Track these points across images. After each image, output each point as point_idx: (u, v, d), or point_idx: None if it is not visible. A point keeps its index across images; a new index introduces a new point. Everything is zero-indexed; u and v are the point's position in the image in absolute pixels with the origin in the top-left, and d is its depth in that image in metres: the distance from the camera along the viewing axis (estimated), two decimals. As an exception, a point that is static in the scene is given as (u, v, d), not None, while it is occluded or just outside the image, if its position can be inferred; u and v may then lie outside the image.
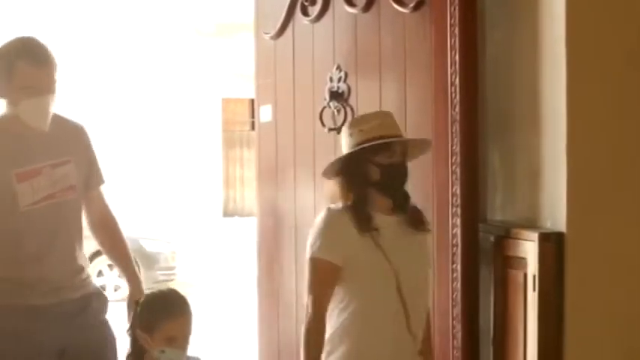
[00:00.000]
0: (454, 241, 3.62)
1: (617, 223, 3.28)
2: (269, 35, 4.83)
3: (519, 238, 3.36)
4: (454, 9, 3.61)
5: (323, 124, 4.34)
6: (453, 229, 3.63)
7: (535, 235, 3.25)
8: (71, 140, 3.75)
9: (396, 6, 3.91)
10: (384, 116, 3.41)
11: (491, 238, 3.54)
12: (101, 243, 3.90)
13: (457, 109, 3.61)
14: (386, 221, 3.33)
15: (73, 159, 3.69)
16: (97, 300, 3.78)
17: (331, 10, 4.32)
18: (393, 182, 3.33)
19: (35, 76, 3.54)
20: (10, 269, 3.61)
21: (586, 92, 3.28)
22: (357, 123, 3.39)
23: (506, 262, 3.47)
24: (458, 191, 3.62)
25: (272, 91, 4.95)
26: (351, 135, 3.34)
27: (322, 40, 4.43)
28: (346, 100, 4.26)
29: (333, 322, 3.30)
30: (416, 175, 3.49)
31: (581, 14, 3.30)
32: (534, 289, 3.24)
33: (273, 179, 4.97)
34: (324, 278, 3.28)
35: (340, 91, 4.29)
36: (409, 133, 3.73)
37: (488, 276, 3.58)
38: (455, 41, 3.62)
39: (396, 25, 3.97)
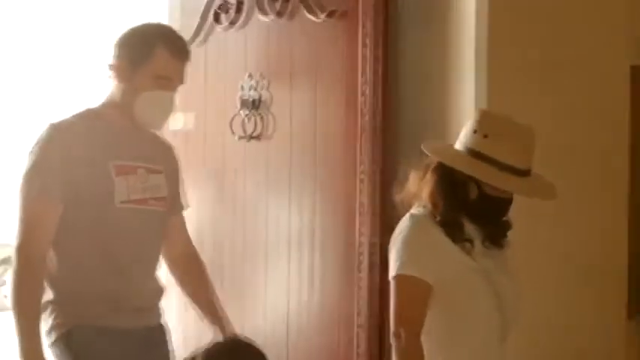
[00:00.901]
0: (360, 250, 3.62)
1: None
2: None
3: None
4: (366, 19, 3.63)
5: (233, 132, 4.31)
6: (359, 238, 3.63)
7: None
8: (164, 154, 3.27)
9: (308, 15, 3.92)
10: (528, 139, 2.68)
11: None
12: (181, 282, 3.32)
13: (367, 118, 3.62)
14: (470, 228, 2.72)
15: (164, 172, 3.20)
16: (168, 331, 3.23)
17: (244, 17, 4.30)
18: (489, 216, 2.73)
19: (174, 67, 3.10)
20: (94, 279, 3.02)
21: (496, 101, 3.32)
22: (499, 130, 2.66)
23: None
24: (365, 200, 3.62)
25: (185, 99, 4.90)
26: (486, 136, 2.65)
27: (235, 47, 4.41)
28: (257, 108, 4.24)
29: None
30: (326, 185, 3.48)
31: (493, 29, 3.36)
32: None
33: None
34: (417, 298, 2.62)
35: (251, 99, 4.27)
36: (318, 141, 3.73)
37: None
38: (367, 51, 3.64)
39: (308, 33, 3.98)
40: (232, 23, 4.37)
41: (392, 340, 2.61)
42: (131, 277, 3.05)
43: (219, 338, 2.48)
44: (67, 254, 3.01)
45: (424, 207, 2.70)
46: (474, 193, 2.66)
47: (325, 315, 3.86)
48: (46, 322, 2.98)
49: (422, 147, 2.73)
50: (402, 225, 2.71)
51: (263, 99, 4.23)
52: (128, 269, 3.04)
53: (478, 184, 2.64)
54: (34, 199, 2.96)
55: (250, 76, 4.28)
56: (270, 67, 4.21)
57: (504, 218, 2.74)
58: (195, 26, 4.59)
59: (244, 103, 4.29)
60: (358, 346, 3.63)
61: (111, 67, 3.11)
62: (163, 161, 3.22)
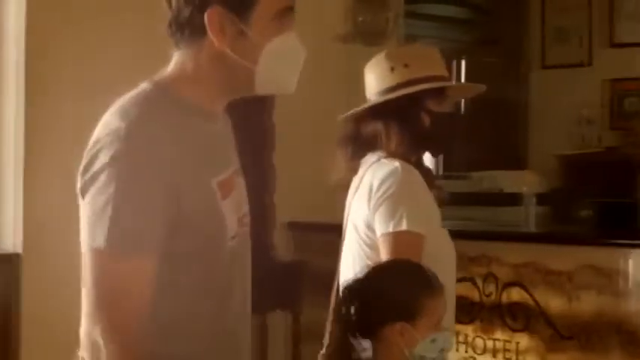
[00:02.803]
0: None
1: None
2: None
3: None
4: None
5: None
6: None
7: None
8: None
9: None
10: (432, 51, 2.89)
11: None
12: None
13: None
14: None
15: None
16: None
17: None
18: (445, 135, 2.85)
19: None
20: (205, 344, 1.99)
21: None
22: (400, 56, 2.82)
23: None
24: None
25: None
26: (392, 70, 2.77)
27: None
28: None
29: None
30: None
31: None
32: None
33: None
34: (419, 254, 2.59)
35: None
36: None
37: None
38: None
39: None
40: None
41: None
42: (243, 332, 2.12)
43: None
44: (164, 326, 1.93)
45: (391, 157, 2.73)
46: (427, 119, 2.75)
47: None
48: None
49: (354, 111, 2.83)
50: (395, 176, 2.68)
51: None
52: (242, 324, 2.11)
53: (427, 108, 2.74)
54: (121, 256, 1.84)
55: None
56: None
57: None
58: None
59: None
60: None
61: (185, 23, 1.93)
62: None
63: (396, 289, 2.26)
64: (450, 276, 2.77)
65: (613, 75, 6.78)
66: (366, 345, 2.24)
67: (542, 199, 4.56)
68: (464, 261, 4.38)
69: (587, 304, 3.86)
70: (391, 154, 2.75)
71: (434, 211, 2.76)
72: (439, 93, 2.78)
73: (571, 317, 3.89)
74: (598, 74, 6.82)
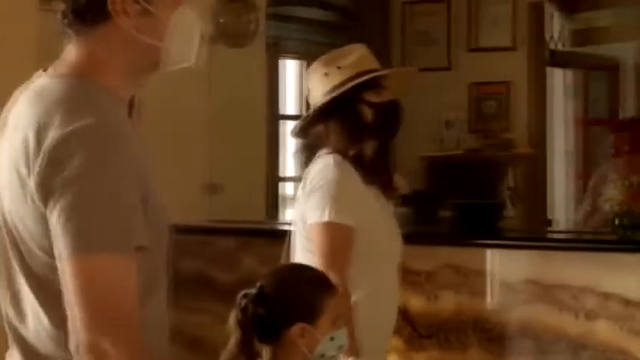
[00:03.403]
0: None
1: None
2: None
3: None
4: None
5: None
6: None
7: None
8: None
9: None
10: (360, 49, 3.02)
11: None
12: None
13: None
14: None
15: None
16: None
17: None
18: (390, 123, 2.98)
19: None
20: None
21: None
22: (332, 60, 2.96)
23: None
24: None
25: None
26: (327, 75, 2.92)
27: None
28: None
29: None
30: None
31: None
32: None
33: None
34: (346, 245, 2.76)
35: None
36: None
37: None
38: None
39: None
40: None
41: None
42: None
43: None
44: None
45: (333, 153, 2.88)
46: (368, 111, 2.89)
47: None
48: None
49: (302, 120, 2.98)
50: (325, 171, 2.83)
51: None
52: None
53: (367, 101, 2.88)
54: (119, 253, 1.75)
55: None
56: None
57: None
58: None
59: None
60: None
61: (84, 10, 1.87)
62: None
63: (294, 292, 2.29)
64: (391, 269, 2.94)
65: (472, 79, 6.92)
66: (266, 350, 2.24)
67: (405, 200, 4.62)
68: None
69: (446, 303, 3.93)
70: (331, 150, 2.90)
71: (368, 205, 2.87)
72: (375, 84, 2.92)
73: (430, 316, 3.95)
74: (458, 78, 6.95)
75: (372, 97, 2.90)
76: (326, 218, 2.76)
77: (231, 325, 2.24)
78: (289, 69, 6.61)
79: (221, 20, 5.13)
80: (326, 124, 2.92)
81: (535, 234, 4.82)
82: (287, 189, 6.38)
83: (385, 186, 3.00)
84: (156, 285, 1.91)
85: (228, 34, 5.15)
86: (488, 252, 3.93)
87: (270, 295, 2.25)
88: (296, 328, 2.22)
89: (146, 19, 1.88)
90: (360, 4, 7.08)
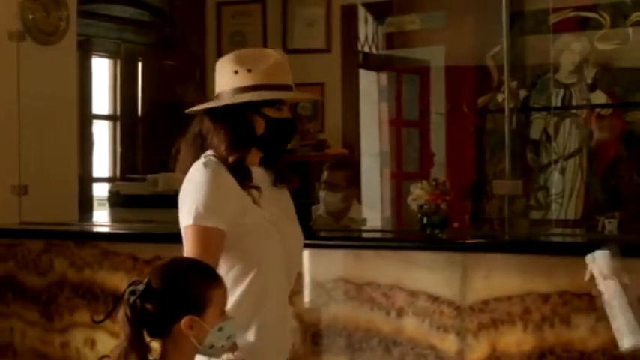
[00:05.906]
0: None
1: None
2: None
3: None
4: None
5: None
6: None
7: None
8: None
9: None
10: (276, 56, 2.90)
11: None
12: None
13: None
14: (259, 174, 2.90)
15: None
16: None
17: None
18: (280, 140, 2.90)
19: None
20: None
21: None
22: (246, 60, 2.85)
23: None
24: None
25: None
26: (236, 73, 2.82)
27: None
28: None
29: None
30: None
31: None
32: None
33: None
34: (213, 247, 2.72)
35: None
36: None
37: None
38: None
39: None
40: None
41: None
42: None
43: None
44: None
45: (213, 156, 2.80)
46: (261, 124, 2.82)
47: None
48: None
49: (190, 110, 2.87)
50: (195, 172, 2.77)
51: None
52: None
53: (262, 114, 2.81)
54: None
55: None
56: None
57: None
58: None
59: None
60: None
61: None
62: None
63: (181, 284, 2.36)
64: (276, 269, 2.85)
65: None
66: (156, 344, 2.33)
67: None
68: (140, 263, 4.37)
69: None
70: (214, 153, 2.82)
71: (242, 209, 2.78)
72: (277, 101, 2.83)
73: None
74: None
75: (271, 113, 2.83)
76: (191, 221, 2.72)
77: (120, 322, 2.31)
78: (102, 68, 6.52)
79: (30, 16, 5.01)
80: (216, 124, 2.83)
81: (347, 233, 4.88)
82: (101, 190, 6.28)
83: (282, 177, 2.98)
84: None
85: (37, 31, 5.04)
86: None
87: (157, 290, 2.32)
88: (185, 320, 2.30)
89: None
90: (174, 3, 7.05)
